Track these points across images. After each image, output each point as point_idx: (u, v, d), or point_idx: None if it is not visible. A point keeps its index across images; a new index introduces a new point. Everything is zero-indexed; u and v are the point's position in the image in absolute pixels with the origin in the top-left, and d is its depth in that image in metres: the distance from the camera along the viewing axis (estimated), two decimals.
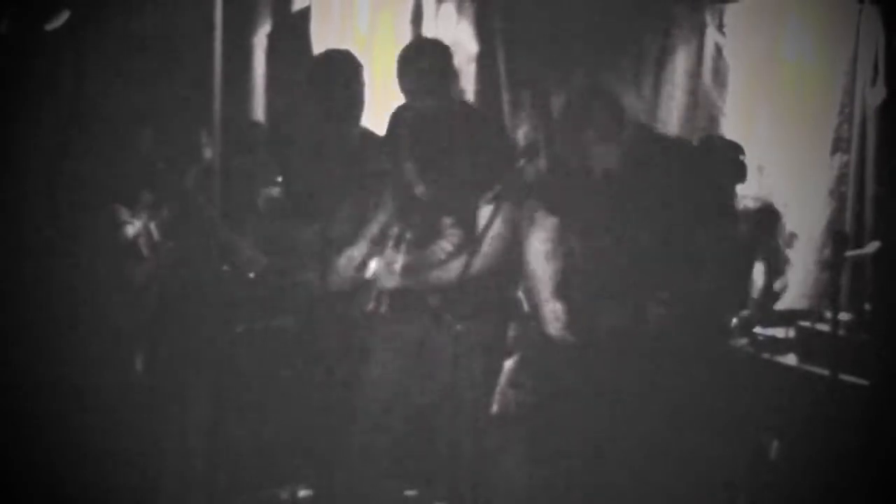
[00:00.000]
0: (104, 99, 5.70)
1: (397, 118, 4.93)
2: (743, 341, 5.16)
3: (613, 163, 4.37)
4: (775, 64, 6.33)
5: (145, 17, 5.90)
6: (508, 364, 6.20)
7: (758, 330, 5.20)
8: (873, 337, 4.86)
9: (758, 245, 5.56)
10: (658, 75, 6.40)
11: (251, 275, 5.59)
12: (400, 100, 4.91)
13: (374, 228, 4.86)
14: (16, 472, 4.98)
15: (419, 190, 4.73)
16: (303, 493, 5.44)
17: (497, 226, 4.50)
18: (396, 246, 4.71)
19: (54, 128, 5.57)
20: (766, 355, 5.08)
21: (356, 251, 4.83)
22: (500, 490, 5.08)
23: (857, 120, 6.12)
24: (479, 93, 6.59)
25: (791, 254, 5.86)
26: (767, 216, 5.72)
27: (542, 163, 6.49)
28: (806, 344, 5.01)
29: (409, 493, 5.37)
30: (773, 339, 5.15)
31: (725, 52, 6.37)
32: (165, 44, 5.96)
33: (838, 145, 6.19)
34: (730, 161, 5.54)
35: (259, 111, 6.39)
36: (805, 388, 4.82)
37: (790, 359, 5.06)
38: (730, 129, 6.16)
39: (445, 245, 4.68)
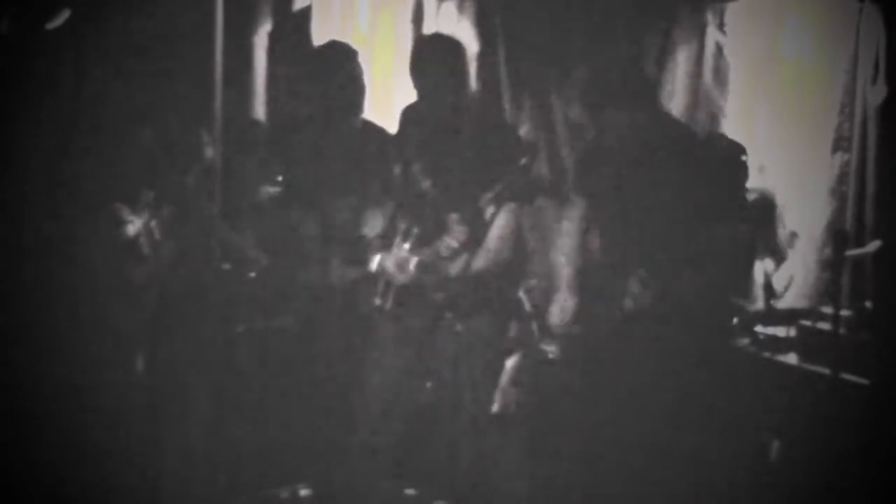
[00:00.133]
0: (104, 99, 5.69)
1: (408, 116, 4.93)
2: (744, 340, 5.15)
3: (626, 130, 4.36)
4: (776, 63, 6.32)
5: (145, 17, 5.90)
6: (509, 363, 6.21)
7: (759, 329, 5.19)
8: (874, 336, 4.86)
9: (758, 239, 5.55)
10: (658, 75, 6.39)
11: (251, 275, 5.59)
12: (401, 97, 4.91)
13: (380, 220, 4.86)
14: (16, 472, 4.98)
15: (426, 185, 4.73)
16: (303, 492, 5.44)
17: (499, 225, 4.50)
18: (403, 241, 4.71)
19: (54, 128, 5.57)
20: (766, 354, 5.08)
21: (350, 271, 4.84)
22: (500, 490, 5.08)
23: (857, 119, 6.11)
24: (480, 92, 6.58)
25: (792, 253, 5.85)
26: (763, 205, 5.72)
27: (542, 163, 6.52)
28: (807, 343, 5.00)
29: (409, 492, 5.37)
30: (774, 338, 5.14)
31: (726, 51, 6.36)
32: (166, 43, 5.96)
33: (839, 144, 6.18)
34: (733, 160, 5.54)
35: (260, 110, 6.39)
36: (806, 387, 4.82)
37: (791, 358, 5.05)
38: (730, 128, 6.15)
39: (451, 241, 4.68)
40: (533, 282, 6.36)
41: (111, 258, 5.47)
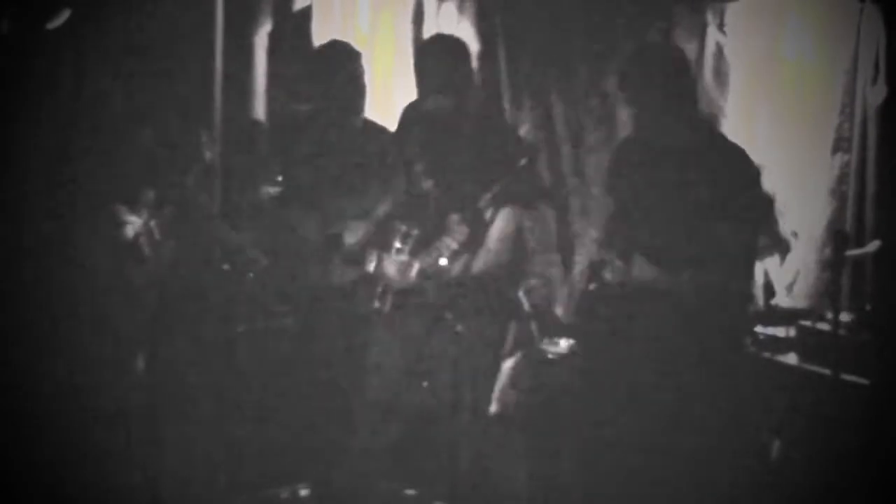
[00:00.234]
0: (104, 99, 5.69)
1: (410, 114, 4.92)
2: (745, 340, 5.15)
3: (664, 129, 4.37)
4: (776, 63, 6.31)
5: (145, 17, 5.89)
6: (509, 364, 6.20)
7: (758, 329, 5.19)
8: (874, 336, 4.86)
9: (762, 235, 5.55)
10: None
11: (251, 275, 5.59)
12: (401, 97, 4.91)
13: (378, 212, 4.85)
14: (16, 472, 4.98)
15: (427, 185, 4.72)
16: (303, 492, 5.44)
17: (499, 227, 4.50)
18: (402, 242, 4.70)
19: (54, 128, 5.56)
20: (766, 354, 5.08)
21: (361, 231, 4.81)
22: (500, 490, 5.08)
23: (857, 119, 6.10)
24: (481, 92, 6.58)
25: (792, 253, 5.85)
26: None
27: (542, 164, 6.52)
28: (807, 343, 5.00)
29: (409, 492, 5.37)
30: (774, 339, 5.14)
31: (726, 52, 6.36)
32: (166, 43, 5.95)
33: (839, 144, 6.18)
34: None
35: (260, 110, 6.39)
36: (806, 387, 4.82)
37: (791, 358, 5.05)
38: (730, 128, 6.15)
39: (450, 242, 4.67)
40: (533, 282, 6.36)
41: (111, 258, 5.47)
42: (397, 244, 4.72)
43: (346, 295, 4.98)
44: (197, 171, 5.62)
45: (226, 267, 5.49)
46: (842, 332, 4.73)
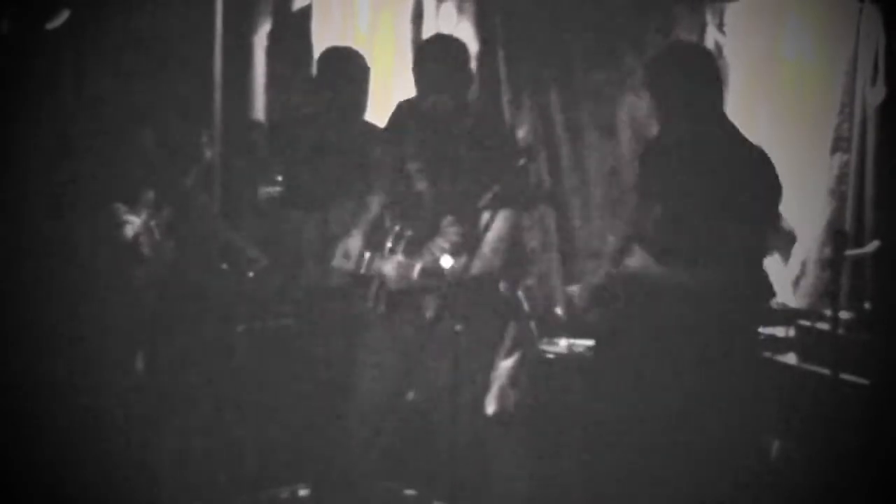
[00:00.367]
0: (104, 99, 5.69)
1: (403, 112, 4.91)
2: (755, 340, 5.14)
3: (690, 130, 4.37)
4: (776, 63, 6.32)
5: (145, 17, 5.89)
6: (508, 364, 6.20)
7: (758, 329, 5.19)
8: (874, 336, 4.86)
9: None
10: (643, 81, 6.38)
11: (251, 274, 5.59)
12: (402, 97, 4.90)
13: (367, 217, 4.83)
14: (16, 472, 4.98)
15: (422, 186, 4.72)
16: (303, 492, 5.44)
17: (494, 231, 4.49)
18: (395, 244, 4.69)
19: (54, 128, 5.56)
20: (766, 354, 5.08)
21: (352, 243, 4.79)
22: (500, 490, 5.08)
23: (857, 119, 6.11)
24: (479, 92, 6.58)
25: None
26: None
27: (542, 165, 6.52)
28: (806, 343, 5.00)
29: (409, 492, 5.38)
30: (773, 338, 5.14)
31: (725, 52, 6.37)
32: (166, 43, 5.95)
33: (838, 145, 6.18)
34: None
35: (259, 110, 6.39)
36: (805, 387, 4.82)
37: (790, 358, 5.05)
38: None
39: (443, 243, 4.67)
40: (531, 282, 6.36)
41: (111, 258, 5.47)
42: (389, 244, 4.70)
43: (345, 295, 4.97)
44: (197, 171, 5.62)
45: (225, 267, 5.49)
46: (841, 331, 4.73)
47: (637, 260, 4.36)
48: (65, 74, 5.64)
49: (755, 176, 4.31)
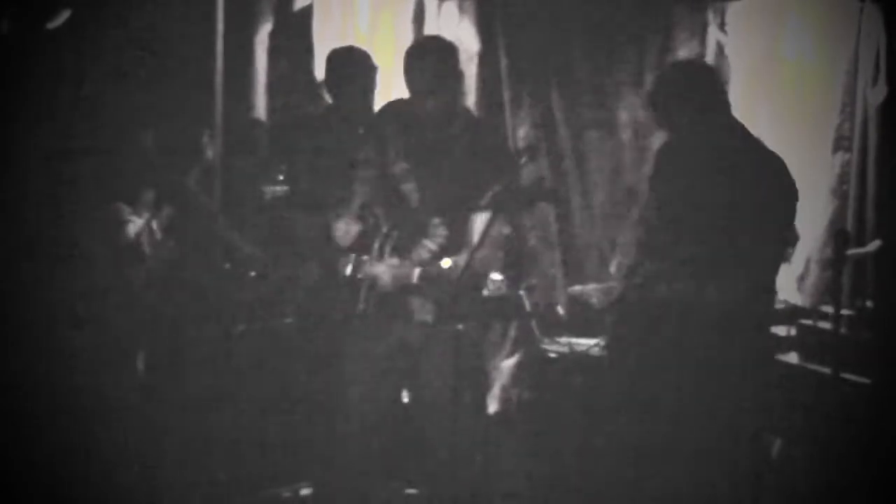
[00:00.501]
0: (104, 99, 5.69)
1: (390, 111, 4.90)
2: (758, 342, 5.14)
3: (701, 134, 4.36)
4: (776, 63, 6.32)
5: (146, 17, 5.89)
6: (509, 363, 6.20)
7: None
8: (875, 335, 4.86)
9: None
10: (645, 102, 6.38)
11: (251, 274, 5.59)
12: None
13: (353, 205, 4.81)
14: (16, 472, 4.97)
15: (408, 188, 4.69)
16: (304, 492, 5.44)
17: (497, 228, 4.48)
18: (383, 245, 4.67)
19: (54, 128, 5.56)
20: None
21: (343, 224, 4.77)
22: (500, 490, 5.08)
23: (858, 119, 6.11)
24: (480, 92, 6.58)
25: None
26: None
27: (543, 164, 6.52)
28: (807, 342, 5.00)
29: (409, 492, 5.37)
30: (775, 337, 5.14)
31: (727, 51, 6.37)
32: (166, 43, 5.95)
33: (840, 144, 6.19)
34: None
35: (261, 110, 6.39)
36: (807, 386, 4.81)
37: (792, 357, 5.05)
38: None
39: (430, 245, 4.65)
40: (533, 281, 6.36)
41: (111, 258, 5.47)
42: (377, 246, 4.68)
43: (340, 296, 4.94)
44: (198, 171, 5.62)
45: (226, 266, 5.49)
46: (843, 330, 4.73)
47: (656, 275, 4.35)
48: (65, 74, 5.63)
49: (773, 185, 4.30)
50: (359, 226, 4.73)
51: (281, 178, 5.67)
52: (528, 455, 5.55)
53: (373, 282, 4.63)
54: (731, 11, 6.45)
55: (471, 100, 6.57)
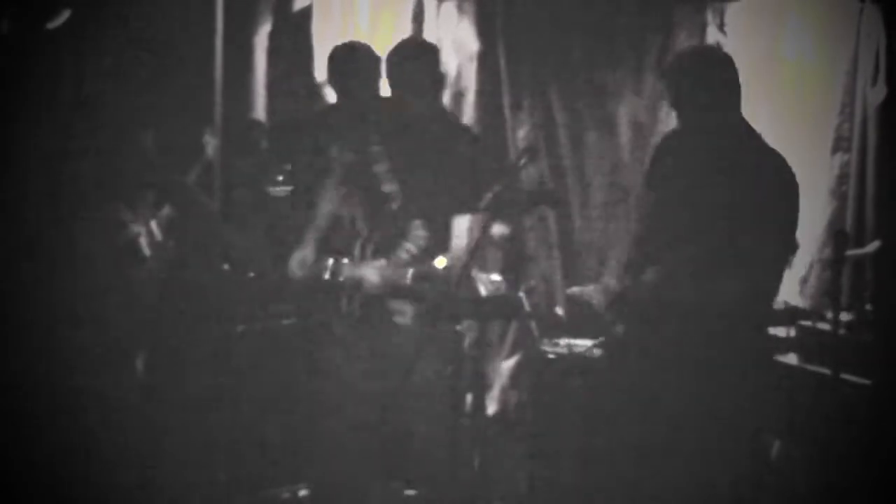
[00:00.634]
0: (104, 99, 5.68)
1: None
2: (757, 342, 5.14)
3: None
4: (776, 63, 6.33)
5: (145, 17, 5.89)
6: (509, 365, 6.21)
7: None
8: (874, 336, 4.86)
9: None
10: (658, 79, 6.39)
11: (251, 274, 5.59)
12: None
13: (320, 223, 4.79)
14: (16, 472, 4.97)
15: (389, 189, 4.68)
16: (303, 492, 5.44)
17: (497, 228, 4.48)
18: (364, 248, 4.65)
19: (54, 128, 5.56)
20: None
21: (307, 252, 4.75)
22: (500, 491, 5.08)
23: (857, 119, 6.12)
24: (480, 92, 6.59)
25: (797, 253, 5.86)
26: None
27: (543, 164, 6.53)
28: (807, 343, 5.00)
29: (409, 492, 5.37)
30: (775, 339, 5.14)
31: (726, 51, 6.37)
32: (166, 43, 5.95)
33: (839, 144, 6.19)
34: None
35: (260, 110, 6.39)
36: (806, 387, 4.82)
37: (791, 358, 5.05)
38: None
39: (410, 247, 4.63)
40: (532, 282, 6.36)
41: (111, 258, 5.47)
42: (358, 249, 4.67)
43: (323, 299, 4.91)
44: (198, 171, 5.62)
45: (226, 266, 5.49)
46: (842, 332, 4.73)
47: (656, 275, 4.35)
48: (65, 74, 5.63)
49: (775, 183, 4.30)
50: (315, 256, 4.70)
51: (281, 178, 5.67)
52: (527, 456, 5.56)
53: (357, 284, 4.60)
54: (731, 11, 6.45)
55: (470, 100, 6.59)
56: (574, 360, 5.52)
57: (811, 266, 6.06)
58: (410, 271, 4.50)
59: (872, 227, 5.98)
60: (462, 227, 4.54)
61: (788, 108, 6.26)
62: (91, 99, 5.67)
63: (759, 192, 4.18)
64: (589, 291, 4.86)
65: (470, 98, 6.58)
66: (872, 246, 5.62)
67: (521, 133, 6.55)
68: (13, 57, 5.47)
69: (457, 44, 6.61)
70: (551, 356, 5.62)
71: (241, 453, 5.34)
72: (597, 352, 5.39)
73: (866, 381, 4.62)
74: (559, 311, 6.05)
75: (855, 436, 4.55)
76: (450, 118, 5.00)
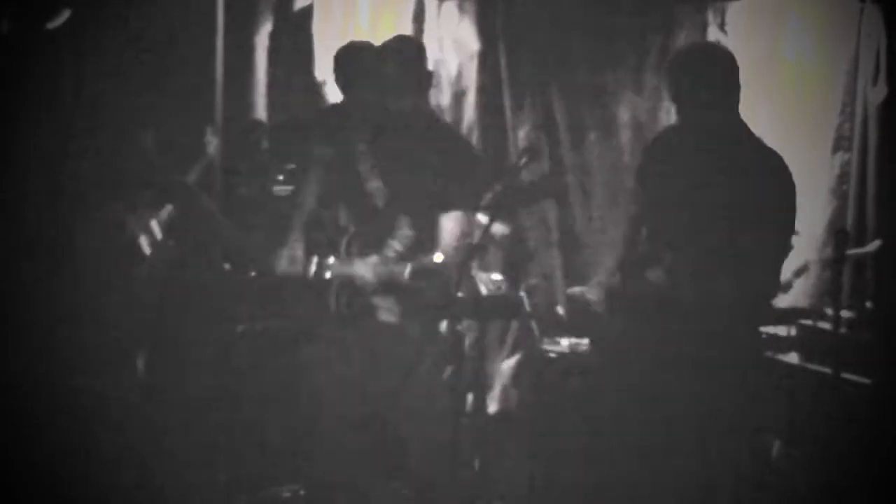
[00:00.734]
0: (104, 99, 5.69)
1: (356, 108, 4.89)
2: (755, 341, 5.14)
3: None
4: (776, 63, 6.33)
5: (146, 17, 5.89)
6: (510, 364, 6.20)
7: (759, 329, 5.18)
8: (875, 335, 4.86)
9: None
10: (659, 74, 6.39)
11: (251, 274, 5.59)
12: None
13: (301, 218, 4.78)
14: (16, 472, 4.97)
15: (374, 186, 4.66)
16: (303, 492, 5.43)
17: (497, 228, 4.48)
18: (350, 245, 4.64)
19: (54, 128, 5.56)
20: (767, 354, 5.07)
21: (296, 250, 4.74)
22: (500, 490, 5.08)
23: (858, 119, 6.12)
24: (480, 92, 6.59)
25: (792, 253, 5.85)
26: None
27: (545, 164, 6.52)
28: (808, 342, 5.00)
29: (409, 492, 5.36)
30: (775, 338, 5.14)
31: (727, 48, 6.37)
32: (166, 43, 5.95)
33: (839, 144, 6.19)
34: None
35: (261, 110, 6.39)
36: (807, 386, 4.81)
37: (792, 357, 5.05)
38: None
39: (396, 245, 4.62)
40: (533, 282, 6.36)
41: (111, 258, 5.47)
42: (344, 246, 4.65)
43: (310, 297, 4.89)
44: (199, 170, 5.62)
45: (226, 266, 5.49)
46: (843, 331, 4.72)
47: (655, 274, 4.35)
48: (65, 74, 5.64)
49: (771, 183, 4.29)
50: (303, 252, 4.69)
51: (281, 178, 5.67)
52: (528, 455, 5.55)
53: (348, 281, 4.57)
54: (731, 11, 6.45)
55: (470, 100, 6.59)
56: (575, 360, 5.51)
57: (806, 266, 6.04)
58: (409, 267, 4.46)
59: (873, 227, 5.98)
60: (449, 224, 4.53)
61: (789, 107, 6.26)
62: (91, 99, 5.67)
63: (757, 192, 4.18)
64: (585, 290, 4.86)
65: (470, 98, 6.57)
66: (873, 245, 5.62)
67: (522, 133, 6.55)
68: (13, 57, 5.48)
69: (457, 43, 6.61)
70: (552, 355, 5.62)
71: (241, 453, 5.33)
72: (586, 348, 5.40)
73: (867, 381, 4.62)
74: (560, 310, 6.04)
75: (855, 435, 4.55)
76: (436, 117, 4.99)
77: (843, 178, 6.17)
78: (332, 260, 4.61)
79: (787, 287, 5.49)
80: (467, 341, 5.38)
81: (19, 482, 4.95)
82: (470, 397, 5.32)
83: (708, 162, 4.29)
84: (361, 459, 4.78)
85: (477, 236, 4.60)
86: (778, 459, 4.95)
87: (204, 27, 5.23)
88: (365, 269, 4.53)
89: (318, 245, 4.67)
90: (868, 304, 5.16)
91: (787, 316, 5.21)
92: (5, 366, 5.20)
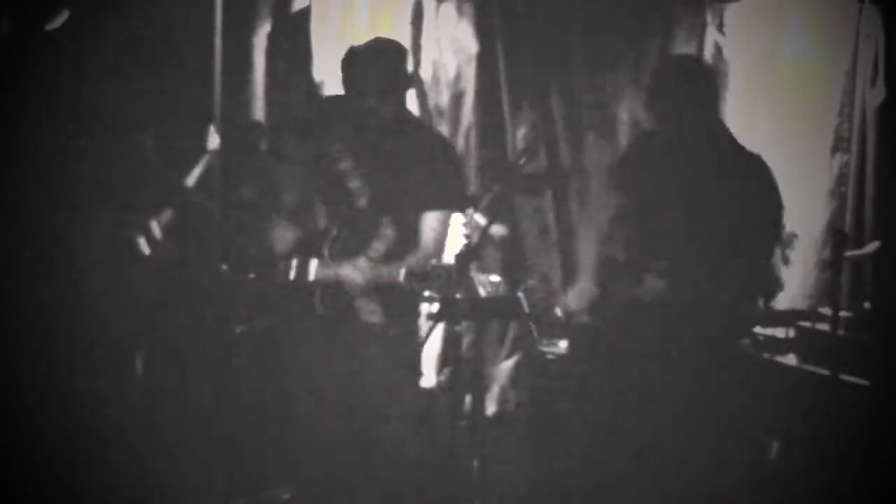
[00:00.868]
0: (104, 99, 5.68)
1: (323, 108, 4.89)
2: (744, 341, 5.16)
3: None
4: (775, 64, 6.34)
5: (145, 17, 5.89)
6: (508, 365, 6.21)
7: (758, 330, 5.19)
8: (873, 337, 4.86)
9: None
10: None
11: (251, 275, 5.58)
12: None
13: (281, 220, 4.78)
14: (16, 472, 4.97)
15: (355, 186, 4.66)
16: (303, 493, 5.43)
17: (495, 229, 4.48)
18: (331, 247, 4.63)
19: (54, 128, 5.56)
20: (766, 355, 5.08)
21: (280, 230, 4.74)
22: (500, 490, 5.08)
23: (857, 120, 6.13)
24: (479, 92, 6.59)
25: (791, 254, 5.86)
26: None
27: (542, 162, 6.53)
28: (806, 344, 5.01)
29: (408, 493, 5.36)
30: (774, 339, 5.15)
31: (725, 52, 6.38)
32: (166, 44, 5.95)
33: (838, 145, 6.20)
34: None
35: (259, 111, 6.39)
36: (805, 388, 4.82)
37: (790, 359, 5.05)
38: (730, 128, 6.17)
39: (378, 245, 4.61)
40: (532, 282, 6.36)
41: (111, 258, 5.47)
42: (326, 249, 4.64)
43: (298, 300, 4.88)
44: (200, 170, 5.62)
45: (225, 266, 5.49)
46: (841, 332, 4.73)
47: (652, 282, 4.36)
48: (65, 74, 5.63)
49: (754, 185, 4.31)
50: (294, 232, 4.68)
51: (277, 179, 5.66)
52: (526, 457, 5.56)
53: (335, 284, 4.56)
54: (730, 12, 6.46)
55: (469, 101, 6.59)
56: (574, 361, 5.52)
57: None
58: (403, 269, 4.45)
59: (871, 228, 5.99)
60: (431, 224, 4.53)
61: (788, 108, 6.27)
62: (91, 99, 5.67)
63: (740, 194, 4.20)
64: (566, 300, 4.88)
65: (469, 98, 6.58)
66: (871, 246, 5.63)
67: (520, 133, 6.55)
68: (13, 57, 5.47)
69: (456, 44, 6.61)
70: (550, 357, 5.62)
71: (241, 453, 5.33)
72: (562, 348, 5.42)
73: (865, 382, 4.62)
74: (558, 311, 6.05)
75: (854, 436, 4.56)
76: (414, 118, 4.98)
77: (841, 179, 6.18)
78: (314, 262, 4.60)
79: (786, 260, 5.50)
80: (465, 343, 5.38)
81: (19, 482, 4.96)
82: (468, 399, 5.32)
83: (687, 165, 4.32)
84: (353, 460, 4.78)
85: (475, 237, 4.61)
86: (778, 459, 4.96)
87: (203, 27, 5.23)
88: (352, 271, 4.51)
89: (300, 246, 4.67)
90: (866, 306, 5.18)
91: (785, 317, 5.23)
92: (5, 366, 5.19)
